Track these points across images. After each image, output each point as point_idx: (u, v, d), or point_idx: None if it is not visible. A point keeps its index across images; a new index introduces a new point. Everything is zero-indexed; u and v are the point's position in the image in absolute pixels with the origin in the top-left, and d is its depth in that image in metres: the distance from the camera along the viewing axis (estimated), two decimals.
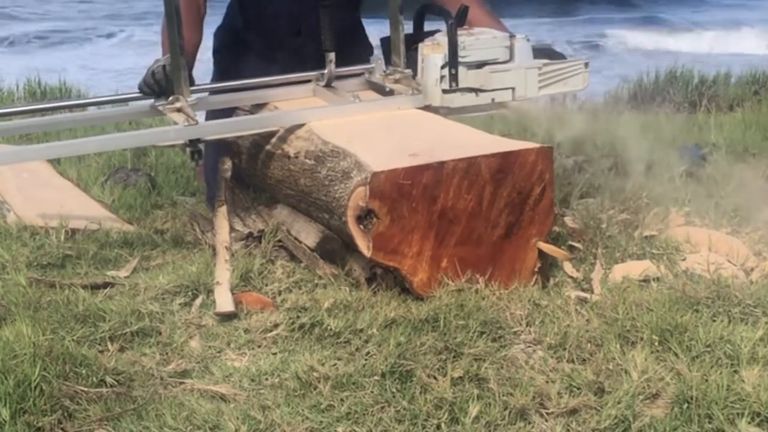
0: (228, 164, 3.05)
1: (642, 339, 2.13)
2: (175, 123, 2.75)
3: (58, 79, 5.78)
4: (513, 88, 2.88)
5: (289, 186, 2.77)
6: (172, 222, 3.04)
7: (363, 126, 2.74)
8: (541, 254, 2.49)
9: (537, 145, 2.46)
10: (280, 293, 2.46)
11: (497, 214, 2.42)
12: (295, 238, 2.68)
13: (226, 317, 2.33)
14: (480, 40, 2.84)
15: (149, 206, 3.23)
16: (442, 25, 2.85)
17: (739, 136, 4.03)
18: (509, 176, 2.41)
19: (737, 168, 3.36)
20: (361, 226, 2.34)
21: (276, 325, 2.26)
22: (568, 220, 2.92)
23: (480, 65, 2.84)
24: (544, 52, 2.98)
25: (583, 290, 2.48)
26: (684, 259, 2.63)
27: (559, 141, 3.31)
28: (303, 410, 1.89)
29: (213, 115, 3.10)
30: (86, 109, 3.57)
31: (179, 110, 2.77)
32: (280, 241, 2.71)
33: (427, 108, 2.86)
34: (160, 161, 3.71)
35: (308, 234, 2.65)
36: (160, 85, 2.86)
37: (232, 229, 2.79)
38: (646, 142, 3.38)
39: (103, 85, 8.22)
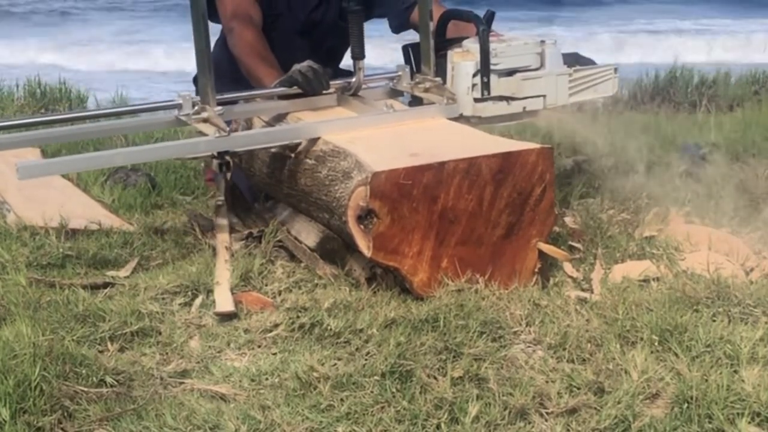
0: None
1: (642, 339, 2.13)
2: (202, 134, 2.67)
3: (58, 78, 5.76)
4: (544, 96, 2.81)
5: (289, 186, 2.77)
6: (172, 222, 3.04)
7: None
8: (541, 254, 2.49)
9: (537, 146, 2.46)
10: (280, 293, 2.46)
11: (498, 214, 2.42)
12: (295, 238, 2.68)
13: (226, 317, 2.33)
14: (512, 47, 2.76)
15: (149, 206, 3.23)
16: None
17: (739, 136, 4.02)
18: (510, 176, 2.41)
19: (737, 168, 3.36)
20: (362, 226, 2.34)
21: (276, 325, 2.26)
22: (568, 220, 2.92)
23: (511, 72, 2.77)
24: (572, 58, 2.92)
25: (583, 290, 2.48)
26: (684, 259, 2.63)
27: (558, 141, 3.31)
28: (303, 410, 1.89)
29: None
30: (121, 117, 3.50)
31: (206, 121, 2.68)
32: (280, 241, 2.71)
33: (459, 118, 2.78)
34: (159, 161, 3.71)
35: (308, 234, 2.65)
36: (310, 83, 2.85)
37: (232, 229, 2.79)
38: (646, 141, 3.38)
39: None
